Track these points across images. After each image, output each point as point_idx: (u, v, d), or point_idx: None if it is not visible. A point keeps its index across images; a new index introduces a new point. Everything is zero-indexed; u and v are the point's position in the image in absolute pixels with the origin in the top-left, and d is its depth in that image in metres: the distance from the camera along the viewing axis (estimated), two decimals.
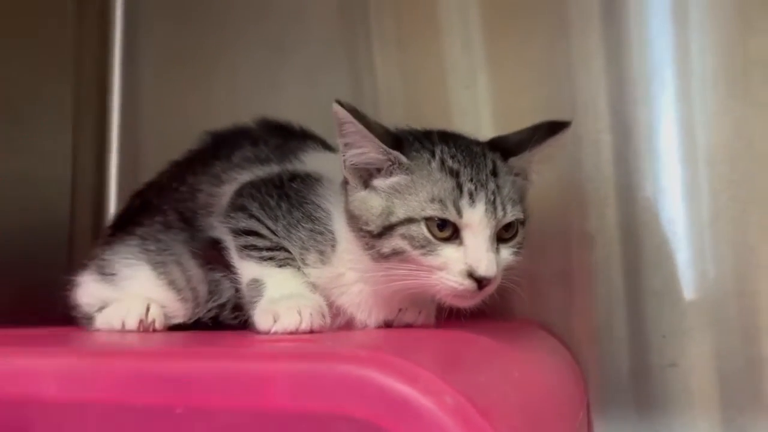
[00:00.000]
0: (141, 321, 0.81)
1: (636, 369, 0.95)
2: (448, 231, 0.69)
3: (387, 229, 0.70)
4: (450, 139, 0.74)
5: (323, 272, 0.76)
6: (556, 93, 1.02)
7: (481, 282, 0.68)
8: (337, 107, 0.69)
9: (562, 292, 1.00)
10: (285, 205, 0.78)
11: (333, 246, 0.75)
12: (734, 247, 0.93)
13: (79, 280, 0.87)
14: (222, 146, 0.90)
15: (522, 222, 0.73)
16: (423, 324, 0.77)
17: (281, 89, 1.17)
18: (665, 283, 0.95)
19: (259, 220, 0.78)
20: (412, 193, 0.70)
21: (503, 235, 0.71)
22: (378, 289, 0.73)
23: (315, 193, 0.78)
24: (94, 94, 1.26)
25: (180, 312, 0.83)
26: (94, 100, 1.26)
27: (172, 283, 0.83)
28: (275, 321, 0.68)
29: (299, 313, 0.67)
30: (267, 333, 0.68)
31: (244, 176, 0.84)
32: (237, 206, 0.80)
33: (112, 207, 1.24)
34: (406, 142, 0.73)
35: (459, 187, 0.69)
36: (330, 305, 0.75)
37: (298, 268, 0.76)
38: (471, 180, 0.69)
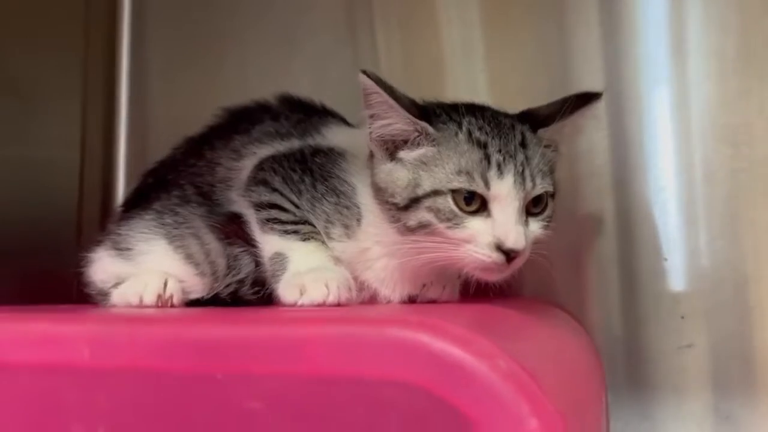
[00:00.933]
0: (159, 296, 0.79)
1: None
2: (476, 204, 0.68)
3: (413, 202, 0.69)
4: (478, 111, 0.73)
5: (348, 246, 0.75)
6: (555, 76, 1.01)
7: (509, 254, 0.67)
8: (363, 77, 0.68)
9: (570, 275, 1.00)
10: (308, 179, 0.77)
11: (358, 220, 0.74)
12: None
13: (93, 257, 0.86)
14: (241, 121, 0.89)
15: (552, 195, 0.72)
16: (447, 299, 0.76)
17: (290, 78, 1.16)
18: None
19: (281, 193, 0.76)
20: (438, 164, 0.69)
21: (532, 208, 0.70)
22: (403, 263, 0.72)
23: (339, 168, 0.77)
24: (102, 82, 1.24)
25: (198, 287, 0.82)
26: (102, 88, 1.24)
27: (189, 257, 0.82)
28: (302, 294, 0.67)
29: (326, 286, 0.66)
30: (293, 305, 0.67)
31: (265, 150, 0.82)
32: (258, 180, 0.78)
33: (121, 193, 1.23)
34: (433, 114, 0.72)
35: (487, 158, 0.68)
36: (354, 280, 0.74)
37: (323, 242, 0.75)
38: (499, 151, 0.68)
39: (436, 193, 0.68)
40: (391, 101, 0.68)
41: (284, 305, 0.68)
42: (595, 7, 0.99)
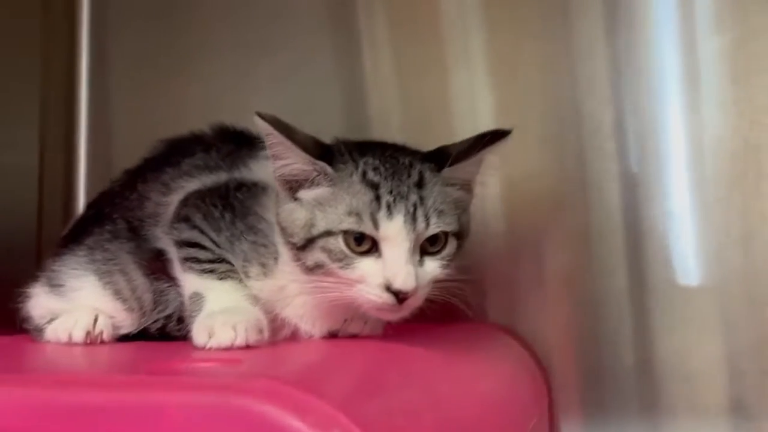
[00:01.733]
0: (88, 333, 0.80)
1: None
2: (367, 244, 0.68)
3: (309, 242, 0.70)
4: (380, 150, 0.73)
5: (266, 285, 0.75)
6: (558, 80, 1.02)
7: (398, 295, 0.67)
8: (257, 119, 0.69)
9: (537, 295, 1.02)
10: (228, 215, 0.77)
11: (275, 258, 0.75)
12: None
13: (30, 292, 0.87)
14: (174, 153, 0.89)
15: (457, 234, 0.72)
16: (369, 334, 0.76)
17: (262, 90, 1.16)
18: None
19: (201, 231, 0.77)
20: (332, 205, 0.70)
21: (428, 248, 0.70)
22: (318, 300, 0.72)
23: (259, 204, 0.77)
24: (62, 93, 1.24)
25: (127, 322, 0.83)
26: (61, 99, 1.24)
27: (117, 293, 0.82)
28: (210, 337, 0.67)
29: (234, 329, 0.67)
30: (203, 348, 0.68)
31: (192, 185, 0.83)
32: (181, 217, 0.79)
33: (82, 201, 1.22)
34: (338, 153, 0.72)
35: (377, 199, 0.68)
36: (275, 318, 0.75)
37: (240, 281, 0.75)
38: (390, 192, 0.68)
39: (328, 233, 0.69)
40: (288, 142, 0.69)
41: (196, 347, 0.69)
42: (601, 16, 1.00)
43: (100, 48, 1.26)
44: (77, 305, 0.83)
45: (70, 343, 0.80)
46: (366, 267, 0.68)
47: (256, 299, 0.74)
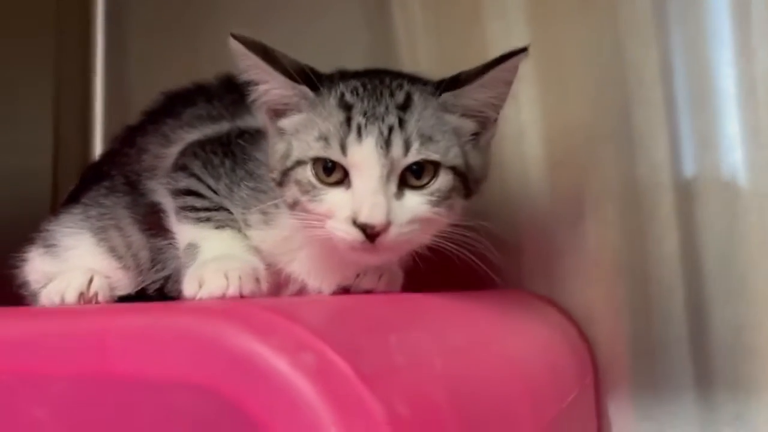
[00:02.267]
0: (82, 294, 0.73)
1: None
2: (338, 174, 0.60)
3: (284, 175, 0.63)
4: (369, 75, 0.65)
5: (268, 235, 0.67)
6: (599, 25, 0.92)
7: (366, 230, 0.58)
8: (231, 41, 0.62)
9: (579, 262, 0.91)
10: (229, 162, 0.70)
11: (277, 206, 0.66)
12: None
13: (25, 257, 0.81)
14: (175, 104, 0.83)
15: (456, 169, 0.62)
16: (385, 290, 0.68)
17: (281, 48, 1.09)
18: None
19: (199, 179, 0.70)
20: (306, 132, 0.62)
21: (411, 180, 0.61)
22: (325, 251, 0.64)
23: (260, 149, 0.69)
24: (77, 81, 1.20)
25: (123, 281, 0.76)
26: (77, 88, 1.21)
27: (112, 250, 0.76)
28: (200, 286, 0.59)
29: (226, 277, 0.59)
30: (193, 299, 0.60)
31: (193, 135, 0.76)
32: (179, 166, 0.72)
33: None
34: (326, 80, 0.64)
35: (348, 121, 0.60)
36: (279, 272, 0.67)
37: (239, 230, 0.68)
38: (364, 114, 0.60)
39: (299, 162, 0.62)
40: (265, 65, 0.62)
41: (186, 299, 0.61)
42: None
43: (115, 26, 1.22)
44: (72, 266, 0.77)
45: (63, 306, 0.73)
46: (334, 199, 0.60)
47: (257, 251, 0.67)
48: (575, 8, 0.94)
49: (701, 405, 0.85)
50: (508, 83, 0.64)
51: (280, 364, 0.30)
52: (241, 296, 0.59)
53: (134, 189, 0.77)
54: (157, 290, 0.75)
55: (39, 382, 0.35)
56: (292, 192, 0.63)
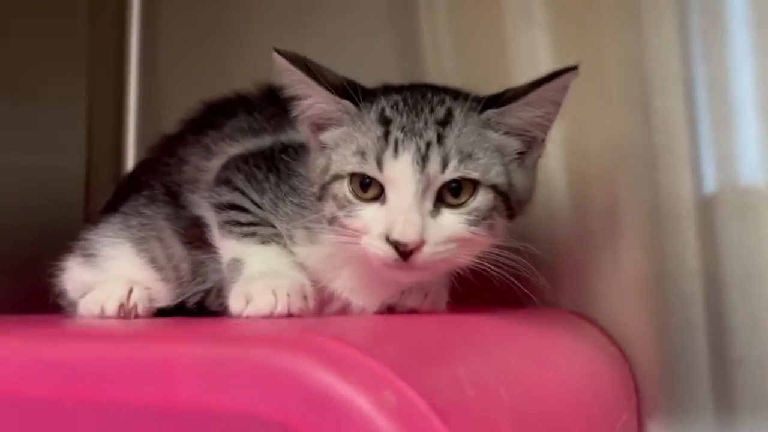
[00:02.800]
0: (122, 306, 0.73)
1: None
2: (375, 190, 0.59)
3: (323, 190, 0.62)
4: (411, 89, 0.64)
5: (312, 251, 0.66)
6: (626, 61, 0.89)
7: (398, 248, 0.57)
8: (275, 56, 0.61)
9: (613, 284, 0.88)
10: (273, 177, 0.69)
11: (320, 222, 0.65)
12: None
13: (64, 266, 0.80)
14: (216, 114, 0.82)
15: (497, 188, 0.60)
16: (430, 308, 0.66)
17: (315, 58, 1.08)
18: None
19: (243, 193, 0.69)
20: (345, 146, 0.61)
21: (449, 198, 0.59)
22: (368, 269, 0.63)
23: (304, 165, 0.68)
24: (111, 84, 1.20)
25: (163, 293, 0.75)
26: (111, 90, 1.20)
27: (153, 261, 0.75)
28: (248, 303, 0.59)
29: (274, 294, 0.58)
30: (239, 316, 0.59)
31: (234, 149, 0.75)
32: (222, 180, 0.72)
33: None
34: (369, 95, 0.63)
35: (386, 136, 0.59)
36: (322, 290, 0.66)
37: (284, 246, 0.67)
38: (402, 128, 0.58)
39: (336, 177, 0.61)
40: (308, 79, 0.61)
41: (232, 316, 0.60)
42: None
43: (149, 41, 1.21)
44: (111, 276, 0.76)
45: (102, 317, 0.73)
46: (368, 215, 0.59)
47: (302, 267, 0.66)
48: (600, 20, 0.91)
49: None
50: (557, 103, 0.62)
51: (361, 402, 0.29)
52: (289, 314, 0.58)
53: (175, 200, 0.77)
54: (197, 303, 0.74)
55: (103, 408, 0.34)
56: (330, 207, 0.62)
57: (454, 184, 0.59)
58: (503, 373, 0.44)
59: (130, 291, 0.73)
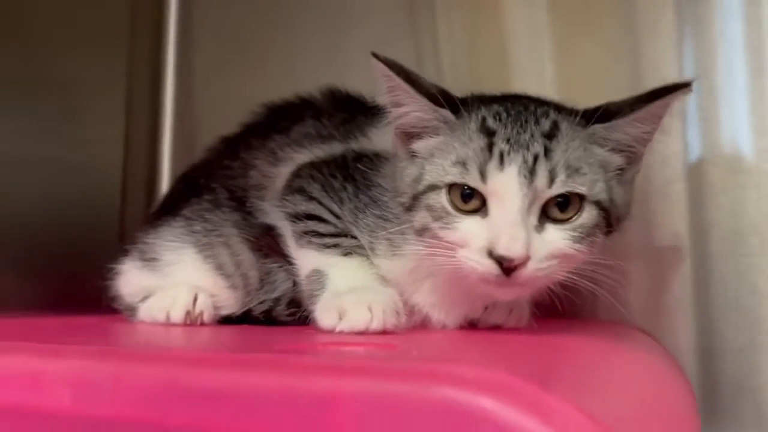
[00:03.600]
0: (188, 313, 0.71)
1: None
2: (476, 202, 0.58)
3: (415, 199, 0.60)
4: (511, 100, 0.62)
5: (394, 264, 0.64)
6: (629, 67, 0.88)
7: (502, 263, 0.55)
8: (373, 61, 0.60)
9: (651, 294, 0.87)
10: (351, 187, 0.67)
11: (403, 234, 0.63)
12: None
13: (120, 268, 0.78)
14: (281, 118, 0.80)
15: (600, 204, 0.59)
16: (515, 325, 0.65)
17: (342, 67, 1.06)
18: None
19: (320, 203, 0.67)
20: (442, 156, 0.60)
21: (554, 213, 0.58)
22: (452, 282, 0.62)
23: (382, 176, 0.67)
24: (146, 80, 1.18)
25: (230, 301, 0.73)
26: (147, 86, 1.18)
27: (219, 268, 0.73)
28: (341, 318, 0.57)
29: (369, 310, 0.56)
30: (331, 331, 0.57)
31: (303, 156, 0.73)
32: (295, 188, 0.70)
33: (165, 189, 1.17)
34: (465, 104, 0.61)
35: (490, 147, 0.57)
36: (404, 303, 0.64)
37: (367, 258, 0.65)
38: (508, 140, 0.57)
39: (433, 187, 0.59)
40: (407, 87, 0.60)
41: (320, 330, 0.59)
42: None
43: (186, 38, 1.20)
44: (174, 281, 0.74)
45: (167, 324, 0.71)
46: (468, 227, 0.57)
47: (384, 280, 0.64)
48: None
49: None
50: (661, 118, 0.61)
51: None
52: (384, 331, 0.57)
53: (241, 205, 0.75)
54: (264, 312, 0.72)
55: None
56: (421, 217, 0.60)
57: (560, 199, 0.57)
58: (633, 399, 0.43)
59: (195, 298, 0.72)
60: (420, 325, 0.65)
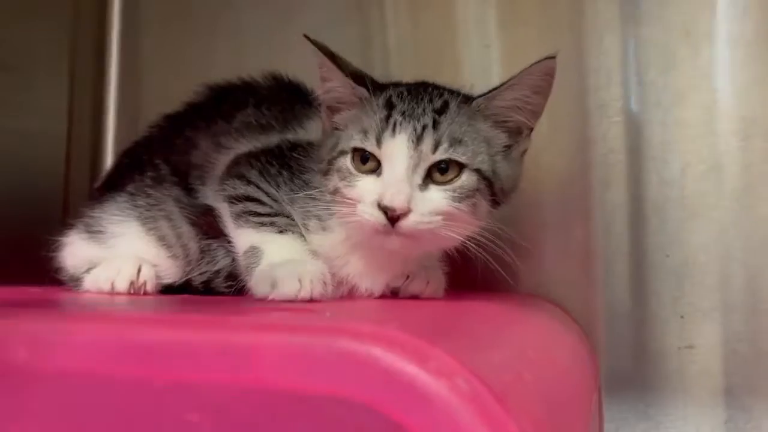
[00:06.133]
0: (132, 283, 0.76)
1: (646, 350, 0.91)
2: (372, 164, 0.68)
3: (329, 164, 0.70)
4: (416, 84, 0.72)
5: (325, 239, 0.72)
6: (568, 53, 0.94)
7: (387, 213, 0.64)
8: (308, 43, 0.70)
9: (567, 267, 0.95)
10: (286, 173, 0.75)
11: (330, 212, 0.71)
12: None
13: (65, 240, 0.82)
14: (225, 101, 0.85)
15: (481, 173, 0.68)
16: (431, 296, 0.73)
17: (288, 48, 1.10)
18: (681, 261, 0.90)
19: (258, 186, 0.74)
20: (353, 127, 0.70)
21: (437, 176, 0.67)
22: (375, 252, 0.70)
23: (314, 161, 0.74)
24: (91, 51, 1.20)
25: (171, 270, 0.79)
26: (91, 57, 1.20)
27: (161, 239, 0.79)
28: (273, 287, 0.63)
29: (299, 280, 0.63)
30: (264, 299, 0.63)
31: (243, 146, 0.79)
32: (234, 174, 0.76)
33: (109, 166, 1.19)
34: (380, 86, 0.71)
35: (387, 118, 0.67)
36: (333, 275, 0.70)
37: (300, 235, 0.71)
38: (403, 113, 0.67)
39: (342, 152, 0.69)
40: (331, 64, 0.69)
41: (254, 298, 0.65)
42: None
43: (131, 10, 1.22)
44: (118, 253, 0.79)
45: (112, 293, 0.76)
46: (365, 185, 0.67)
47: (316, 254, 0.70)
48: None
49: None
50: (537, 90, 0.69)
51: (440, 388, 0.34)
52: (311, 299, 0.63)
53: (183, 180, 0.80)
54: (203, 283, 0.77)
55: (192, 388, 0.38)
56: (333, 180, 0.69)
57: (442, 165, 0.66)
58: (521, 356, 0.50)
59: (139, 269, 0.77)
60: (347, 294, 0.72)
